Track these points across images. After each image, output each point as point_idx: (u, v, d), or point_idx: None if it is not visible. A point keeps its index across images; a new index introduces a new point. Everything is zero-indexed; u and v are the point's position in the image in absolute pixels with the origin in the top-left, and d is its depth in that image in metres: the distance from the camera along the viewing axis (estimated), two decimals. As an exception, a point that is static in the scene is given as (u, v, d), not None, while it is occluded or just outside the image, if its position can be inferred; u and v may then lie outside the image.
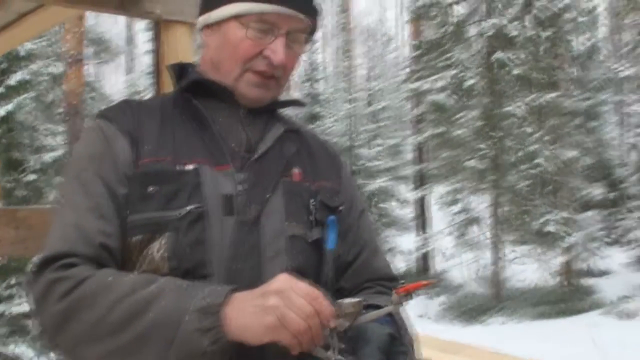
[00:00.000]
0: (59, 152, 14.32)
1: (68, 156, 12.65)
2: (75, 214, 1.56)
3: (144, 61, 37.97)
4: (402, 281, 1.54)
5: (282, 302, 1.37)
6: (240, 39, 1.68)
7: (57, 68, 14.88)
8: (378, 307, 1.55)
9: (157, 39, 3.49)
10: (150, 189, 1.58)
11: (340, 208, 1.78)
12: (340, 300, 1.43)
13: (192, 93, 1.75)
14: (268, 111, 1.80)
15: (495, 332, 15.78)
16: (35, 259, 1.55)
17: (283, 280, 1.41)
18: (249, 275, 1.56)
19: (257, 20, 1.66)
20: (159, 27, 3.49)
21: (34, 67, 14.03)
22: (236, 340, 1.39)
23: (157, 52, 3.47)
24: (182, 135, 1.68)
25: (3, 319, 12.33)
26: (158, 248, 1.56)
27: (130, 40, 43.66)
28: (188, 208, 1.57)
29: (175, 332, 1.38)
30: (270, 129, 1.77)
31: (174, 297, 1.43)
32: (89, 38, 18.34)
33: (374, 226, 2.03)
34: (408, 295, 1.46)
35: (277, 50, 1.67)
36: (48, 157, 13.99)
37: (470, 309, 19.45)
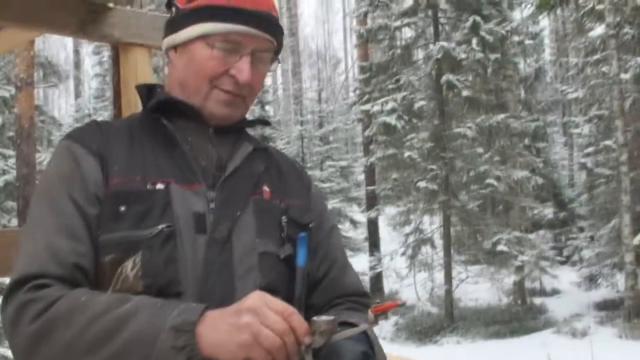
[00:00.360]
0: (9, 176, 14.18)
1: (20, 180, 12.51)
2: (45, 235, 1.55)
3: (92, 85, 37.74)
4: (377, 300, 1.55)
5: (256, 319, 1.37)
6: (206, 58, 1.69)
7: (7, 91, 14.73)
8: (352, 325, 1.56)
9: (116, 62, 3.49)
10: (122, 208, 1.58)
11: (310, 225, 1.80)
12: (314, 318, 1.43)
13: (161, 113, 1.75)
14: (236, 130, 1.82)
15: (449, 352, 15.88)
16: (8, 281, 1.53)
17: (256, 298, 1.41)
18: (221, 293, 1.56)
19: (222, 40, 1.68)
20: (118, 50, 3.50)
21: (-17, 91, 13.92)
22: (210, 357, 1.38)
23: (116, 75, 3.47)
24: (151, 154, 1.68)
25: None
26: (132, 267, 1.55)
27: (78, 64, 43.39)
28: (159, 227, 1.57)
29: (151, 350, 1.37)
30: (239, 147, 1.78)
31: (149, 315, 1.42)
32: (37, 62, 18.13)
33: (343, 243, 2.04)
34: (383, 314, 1.48)
35: (242, 69, 1.69)
36: (0, 183, 13.87)
37: (424, 329, 19.52)
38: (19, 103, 13.36)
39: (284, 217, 1.74)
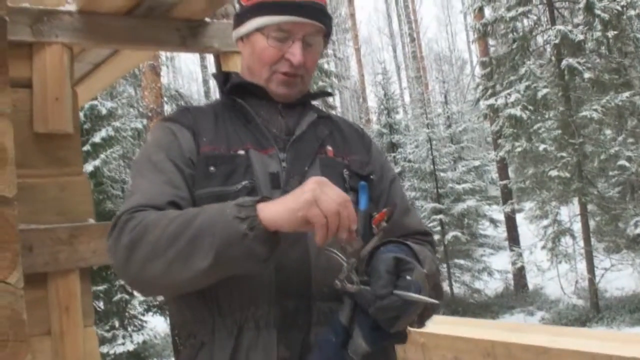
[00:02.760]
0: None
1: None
2: (150, 184, 1.91)
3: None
4: (374, 213, 1.81)
5: (319, 188, 1.65)
6: (264, 47, 2.03)
7: (139, 123, 15.53)
8: (397, 241, 1.83)
9: (218, 68, 3.89)
10: (211, 169, 1.92)
11: (372, 177, 2.08)
12: (341, 245, 1.71)
13: (236, 94, 2.10)
14: (302, 103, 2.14)
15: (597, 341, 15.60)
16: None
17: (319, 178, 1.70)
18: (294, 235, 1.80)
19: (276, 30, 2.01)
20: (219, 59, 3.88)
21: (116, 124, 14.71)
22: (273, 228, 1.67)
23: (215, 79, 3.85)
24: (232, 128, 2.03)
25: (107, 359, 12.93)
26: None
27: (207, 93, 44.84)
28: (243, 183, 1.90)
29: (218, 224, 1.68)
30: (305, 116, 2.11)
31: (217, 206, 1.74)
32: (167, 94, 19.00)
33: (405, 193, 2.28)
34: (383, 221, 1.75)
35: (295, 53, 2.01)
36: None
37: (570, 322, 19.24)
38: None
39: (345, 171, 2.03)
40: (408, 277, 1.69)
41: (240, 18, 2.10)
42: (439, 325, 3.70)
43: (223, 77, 2.19)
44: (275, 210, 1.67)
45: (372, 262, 1.73)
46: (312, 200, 1.63)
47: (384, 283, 1.66)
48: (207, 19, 3.80)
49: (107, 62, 4.23)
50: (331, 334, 1.77)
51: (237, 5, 2.16)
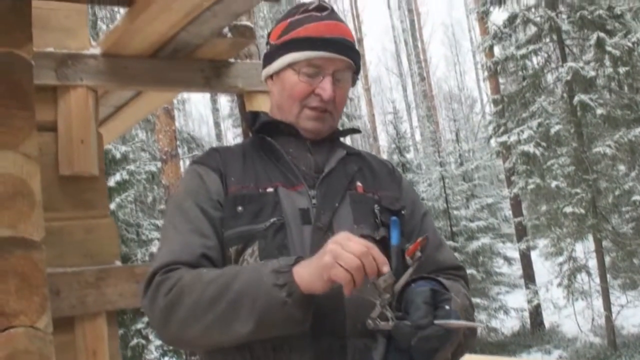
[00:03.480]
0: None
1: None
2: (179, 235, 1.92)
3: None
4: (407, 245, 1.81)
5: (337, 246, 1.66)
6: (295, 82, 2.05)
7: (155, 166, 15.62)
8: (424, 278, 1.81)
9: (242, 108, 3.91)
10: (239, 208, 1.94)
11: (403, 212, 2.09)
12: (373, 282, 1.70)
13: (265, 132, 2.11)
14: (330, 140, 2.15)
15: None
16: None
17: (340, 234, 1.71)
18: None
19: (306, 65, 2.03)
20: (243, 98, 3.90)
21: (131, 167, 14.80)
22: (308, 292, 1.68)
23: (244, 121, 3.85)
24: (261, 166, 2.04)
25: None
26: (251, 253, 1.89)
27: (219, 136, 45.02)
28: (271, 220, 1.91)
29: (258, 291, 1.69)
30: (334, 153, 2.12)
31: (253, 269, 1.77)
32: (180, 137, 19.09)
33: (437, 227, 2.29)
34: (417, 252, 1.75)
35: (325, 88, 2.02)
36: (155, 249, 14.65)
37: (588, 360, 19.09)
38: (165, 175, 14.16)
39: (376, 206, 2.04)
40: (447, 307, 1.69)
41: (270, 56, 2.12)
42: (465, 363, 3.68)
43: (252, 116, 2.19)
44: (307, 275, 1.69)
45: (405, 297, 1.73)
46: (332, 261, 1.64)
47: (423, 313, 1.66)
48: (231, 60, 3.82)
49: (129, 105, 4.24)
50: None
51: (267, 45, 2.18)
